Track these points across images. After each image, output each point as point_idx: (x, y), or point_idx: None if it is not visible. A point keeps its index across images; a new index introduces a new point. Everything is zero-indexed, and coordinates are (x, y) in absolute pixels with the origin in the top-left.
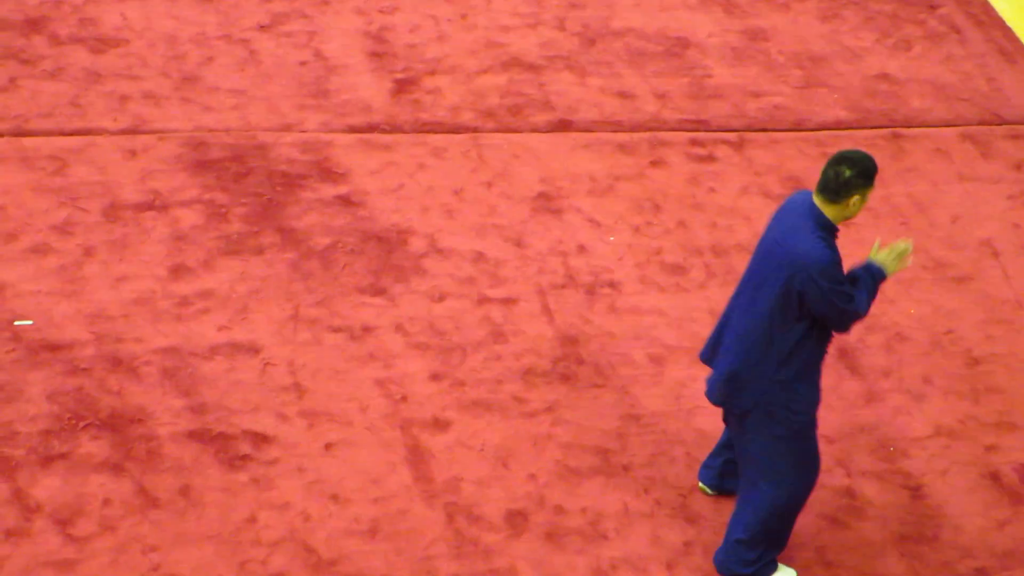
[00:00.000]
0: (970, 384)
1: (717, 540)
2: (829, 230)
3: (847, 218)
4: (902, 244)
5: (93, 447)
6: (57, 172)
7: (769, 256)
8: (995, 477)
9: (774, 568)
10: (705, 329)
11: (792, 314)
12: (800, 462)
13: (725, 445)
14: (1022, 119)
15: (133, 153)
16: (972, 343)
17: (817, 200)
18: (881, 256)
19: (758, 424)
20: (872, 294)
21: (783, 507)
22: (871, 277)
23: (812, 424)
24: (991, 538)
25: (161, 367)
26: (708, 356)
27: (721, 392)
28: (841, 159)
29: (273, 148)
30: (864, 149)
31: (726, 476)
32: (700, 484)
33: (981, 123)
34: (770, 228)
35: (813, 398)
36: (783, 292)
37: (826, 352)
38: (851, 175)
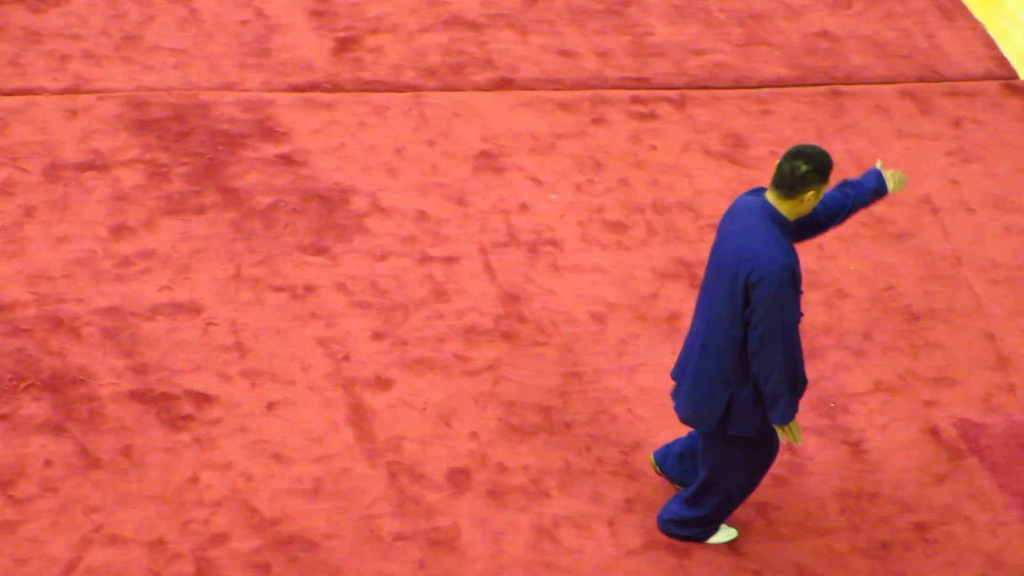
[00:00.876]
0: (909, 340)
1: (658, 497)
2: (785, 227)
3: (801, 215)
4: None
5: (34, 408)
6: None
7: (724, 262)
8: (934, 432)
9: (716, 530)
10: (646, 287)
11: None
12: (762, 457)
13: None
14: (961, 76)
15: (74, 113)
16: (912, 299)
17: (771, 196)
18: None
19: (724, 432)
20: (785, 363)
21: (739, 496)
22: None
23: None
24: (930, 493)
25: (102, 327)
26: (679, 373)
27: (688, 408)
28: (797, 154)
29: (214, 107)
30: (804, 106)
31: (686, 472)
32: (652, 460)
33: (920, 80)
34: (723, 234)
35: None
36: (743, 292)
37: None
38: (806, 170)
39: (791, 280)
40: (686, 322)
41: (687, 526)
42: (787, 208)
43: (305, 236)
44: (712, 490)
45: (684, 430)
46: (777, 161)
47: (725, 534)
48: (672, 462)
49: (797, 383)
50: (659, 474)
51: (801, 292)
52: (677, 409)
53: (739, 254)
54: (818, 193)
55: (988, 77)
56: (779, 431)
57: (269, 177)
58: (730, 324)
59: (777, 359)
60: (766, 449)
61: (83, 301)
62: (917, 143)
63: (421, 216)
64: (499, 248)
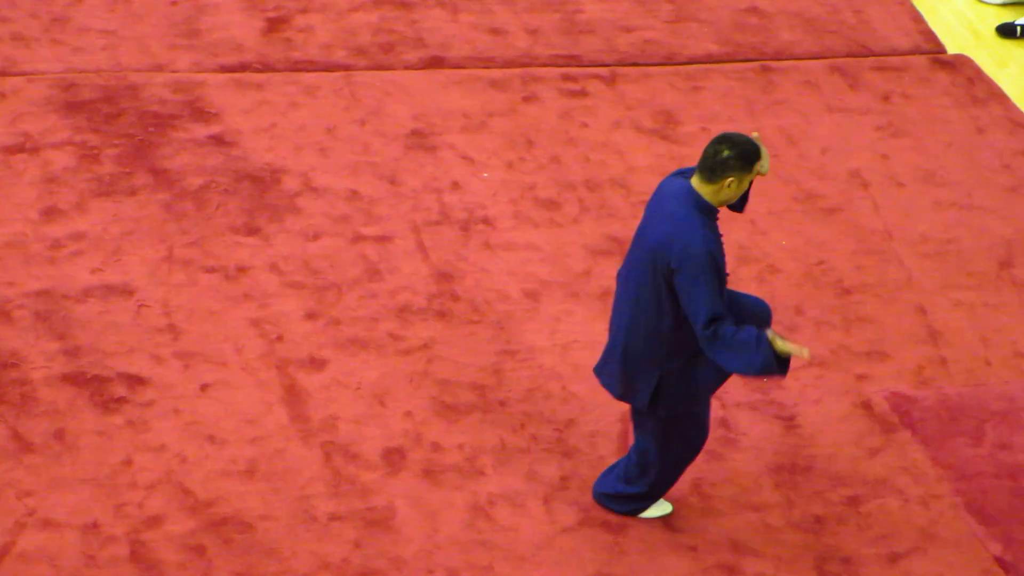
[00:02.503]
0: (841, 314)
1: (593, 475)
2: (708, 212)
3: (723, 202)
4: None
5: None
6: None
7: (646, 246)
8: (867, 406)
9: (650, 505)
10: (579, 263)
11: (670, 300)
12: (696, 431)
13: None
14: (889, 51)
15: (2, 95)
16: (843, 273)
17: (695, 181)
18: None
19: (656, 409)
20: (744, 351)
21: (674, 472)
22: (755, 340)
23: (707, 398)
24: (863, 467)
25: (34, 310)
26: (608, 349)
27: (619, 386)
28: (723, 139)
29: (144, 89)
30: (734, 83)
31: None
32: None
33: (849, 55)
34: (648, 217)
35: (708, 376)
36: (664, 277)
37: None
38: (728, 155)
39: (711, 266)
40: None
41: (623, 502)
42: (709, 192)
43: (237, 217)
44: (648, 468)
45: (615, 410)
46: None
47: (659, 509)
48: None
49: (755, 344)
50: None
51: (726, 275)
52: (608, 386)
53: (661, 239)
54: (740, 182)
55: (916, 52)
56: (791, 356)
57: (200, 158)
58: (655, 306)
59: (719, 347)
60: (698, 425)
61: (14, 284)
62: (846, 118)
63: (353, 195)
64: (432, 227)
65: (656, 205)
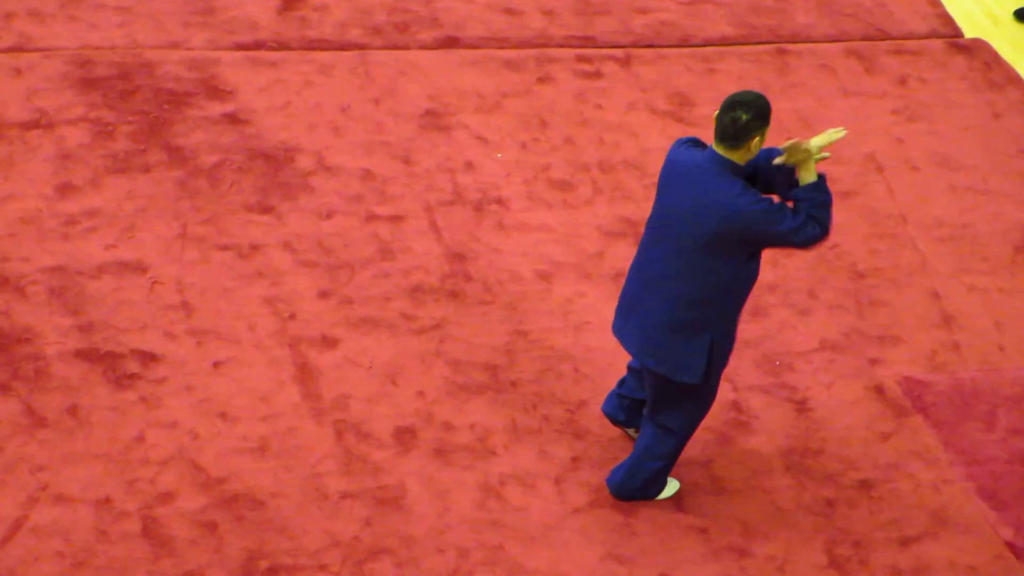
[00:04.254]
0: (855, 298)
1: (604, 455)
2: (738, 173)
3: (749, 159)
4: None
5: None
6: None
7: (693, 216)
8: (879, 390)
9: (664, 484)
10: (592, 245)
11: (731, 262)
12: (706, 402)
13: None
14: (906, 34)
15: (18, 71)
16: (856, 257)
17: (720, 149)
18: (811, 163)
19: (685, 369)
20: (819, 204)
21: (690, 435)
22: (809, 196)
23: (727, 361)
24: (875, 450)
25: (48, 286)
26: (622, 323)
27: (669, 364)
28: (734, 104)
29: (159, 66)
30: (749, 65)
31: (632, 413)
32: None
33: (865, 38)
34: (676, 191)
35: (732, 334)
36: (721, 244)
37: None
38: (748, 119)
39: (775, 210)
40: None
41: (647, 485)
42: (737, 157)
43: (251, 195)
44: (668, 439)
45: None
46: (715, 113)
47: (671, 487)
48: (625, 406)
49: (822, 196)
50: (617, 424)
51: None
52: (657, 367)
53: (715, 210)
54: (763, 137)
55: (933, 35)
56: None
57: (215, 136)
58: (714, 275)
59: (816, 239)
60: (709, 396)
61: (28, 260)
62: (862, 101)
63: (367, 175)
64: (445, 207)
65: (684, 178)
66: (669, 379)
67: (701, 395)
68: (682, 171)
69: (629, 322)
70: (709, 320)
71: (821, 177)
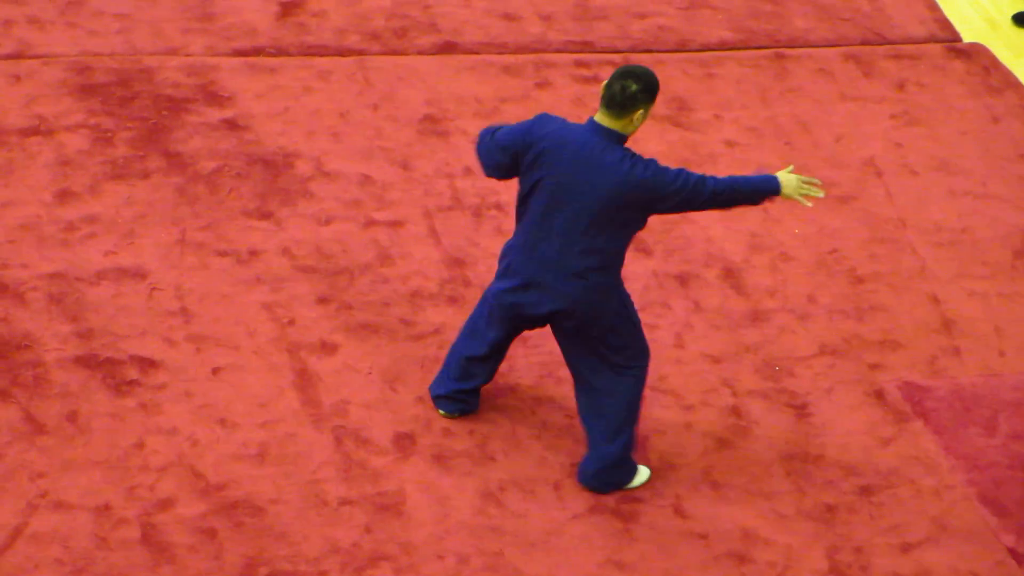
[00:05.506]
0: (854, 303)
1: None
2: (622, 142)
3: (631, 133)
4: (816, 181)
5: None
6: None
7: (588, 189)
8: (879, 395)
9: (634, 470)
10: None
11: (627, 228)
12: (642, 343)
13: (482, 359)
14: (904, 39)
15: (17, 78)
16: (856, 262)
17: (602, 118)
18: (787, 176)
19: (608, 329)
20: (743, 189)
21: (640, 394)
22: (756, 183)
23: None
24: (875, 456)
25: (47, 293)
26: (516, 300)
27: (571, 305)
28: (626, 73)
29: (158, 72)
30: (748, 70)
31: (474, 396)
32: (443, 412)
33: (863, 43)
34: (565, 164)
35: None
36: (620, 212)
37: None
38: (636, 89)
39: (665, 170)
40: (631, 285)
41: (615, 469)
42: (619, 127)
43: (250, 201)
44: (621, 400)
45: None
46: (604, 82)
47: (642, 474)
48: (466, 397)
49: (750, 188)
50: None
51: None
52: (568, 315)
53: (604, 178)
54: (646, 112)
55: (931, 40)
56: (796, 193)
57: (213, 142)
58: (613, 238)
59: (728, 199)
60: (640, 333)
61: (28, 266)
62: (861, 106)
63: (365, 180)
64: (444, 212)
65: (573, 153)
66: (594, 325)
67: (630, 352)
68: (570, 146)
69: (531, 296)
70: (609, 282)
71: (768, 190)
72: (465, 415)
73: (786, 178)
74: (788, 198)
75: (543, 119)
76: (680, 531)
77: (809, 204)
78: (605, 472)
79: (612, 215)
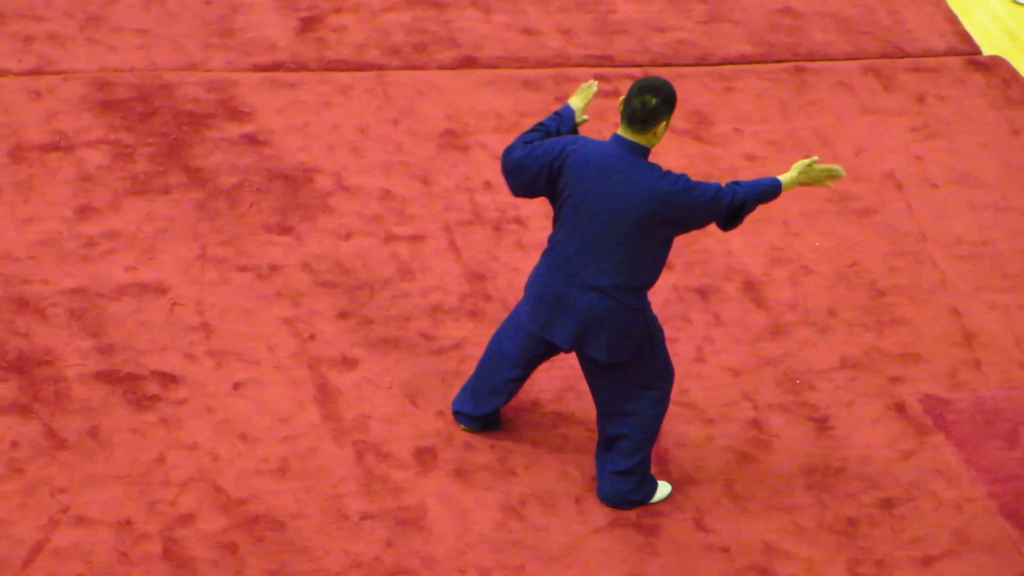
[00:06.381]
0: (875, 316)
1: None
2: (647, 155)
3: (654, 145)
4: (834, 167)
5: (0, 389)
6: None
7: (617, 207)
8: (900, 408)
9: (654, 485)
10: None
11: (657, 246)
12: (666, 365)
13: (511, 380)
14: (924, 52)
15: (38, 94)
16: (876, 275)
17: (625, 134)
18: (802, 164)
19: (637, 352)
20: (755, 192)
21: (662, 414)
22: (761, 186)
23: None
24: (896, 469)
25: (68, 308)
26: (544, 322)
27: (600, 335)
28: (644, 88)
29: (178, 88)
30: (767, 83)
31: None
32: (464, 426)
33: (883, 56)
34: (593, 182)
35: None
36: (650, 229)
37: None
38: (657, 102)
39: (694, 185)
40: (652, 299)
41: (638, 487)
42: (643, 141)
43: (270, 216)
44: (641, 421)
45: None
46: (621, 99)
47: (663, 489)
48: (490, 413)
49: (763, 192)
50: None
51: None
52: (593, 353)
53: (635, 195)
54: (668, 122)
55: (951, 53)
56: (818, 178)
57: (234, 157)
58: (642, 261)
59: (737, 213)
60: (663, 372)
61: (49, 282)
62: (881, 119)
63: (386, 195)
64: (464, 226)
65: (600, 171)
66: (614, 364)
67: (654, 373)
68: (595, 163)
69: (558, 317)
70: (638, 303)
71: (779, 186)
72: (487, 431)
73: (799, 166)
74: (809, 184)
75: (571, 139)
76: (702, 545)
77: (831, 185)
78: (623, 491)
79: (641, 231)
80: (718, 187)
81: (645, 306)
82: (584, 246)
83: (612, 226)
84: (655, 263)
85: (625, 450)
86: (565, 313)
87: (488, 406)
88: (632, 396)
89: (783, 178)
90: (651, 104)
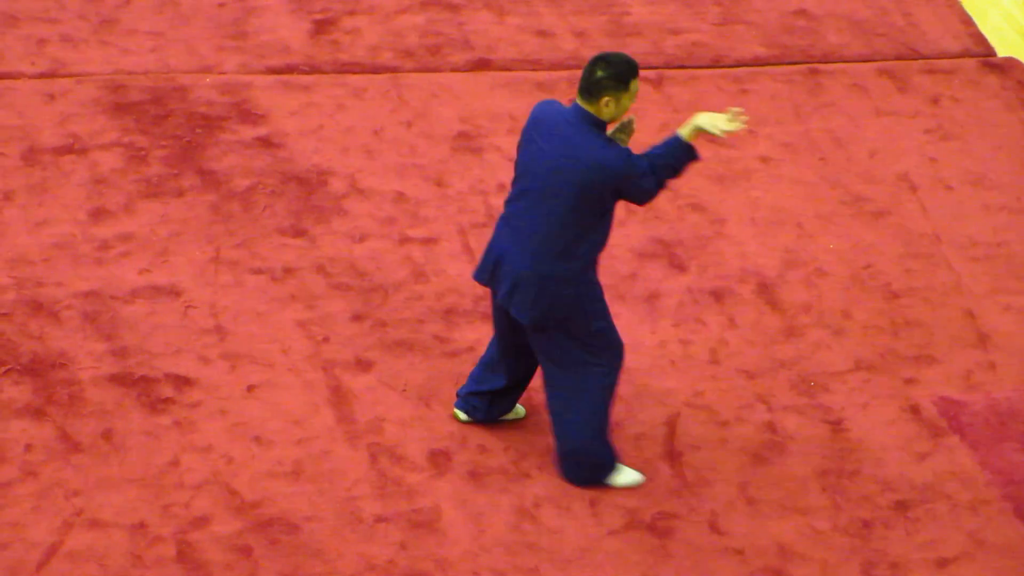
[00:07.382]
0: (889, 318)
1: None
2: (600, 127)
3: (608, 119)
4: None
5: (14, 392)
6: None
7: (556, 168)
8: (915, 410)
9: (612, 465)
10: (625, 266)
11: (592, 215)
12: (610, 339)
13: (490, 367)
14: (939, 53)
15: (52, 97)
16: (891, 277)
17: (580, 101)
18: (705, 117)
19: (564, 320)
20: (669, 163)
21: (612, 386)
22: (671, 152)
23: (605, 306)
24: (911, 471)
25: (82, 311)
26: (488, 276)
27: (524, 297)
28: (599, 59)
29: (192, 90)
30: (782, 85)
31: (493, 403)
32: (461, 415)
33: (898, 58)
34: (540, 144)
35: (598, 283)
36: (584, 196)
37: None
38: (602, 76)
39: (634, 160)
40: (666, 301)
41: (592, 466)
42: (592, 111)
43: (284, 218)
44: (591, 396)
45: (660, 413)
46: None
47: (630, 476)
48: (484, 403)
49: (674, 149)
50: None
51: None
52: (519, 314)
53: (575, 160)
54: (617, 100)
55: (966, 54)
56: (714, 129)
57: (247, 159)
58: (566, 221)
59: (654, 193)
60: (609, 326)
61: (62, 285)
62: (895, 121)
63: (400, 197)
64: (478, 229)
65: (549, 131)
66: (542, 329)
67: (593, 348)
68: (547, 125)
69: (497, 273)
70: (569, 272)
71: (691, 147)
72: (479, 424)
73: (702, 119)
74: (705, 131)
75: (540, 103)
76: (716, 547)
77: (721, 135)
78: (576, 465)
79: (578, 196)
80: (646, 165)
81: (579, 277)
82: (528, 204)
83: (552, 187)
84: (591, 233)
85: (585, 422)
86: (504, 268)
87: (487, 383)
88: (572, 371)
89: (681, 131)
90: (595, 75)
